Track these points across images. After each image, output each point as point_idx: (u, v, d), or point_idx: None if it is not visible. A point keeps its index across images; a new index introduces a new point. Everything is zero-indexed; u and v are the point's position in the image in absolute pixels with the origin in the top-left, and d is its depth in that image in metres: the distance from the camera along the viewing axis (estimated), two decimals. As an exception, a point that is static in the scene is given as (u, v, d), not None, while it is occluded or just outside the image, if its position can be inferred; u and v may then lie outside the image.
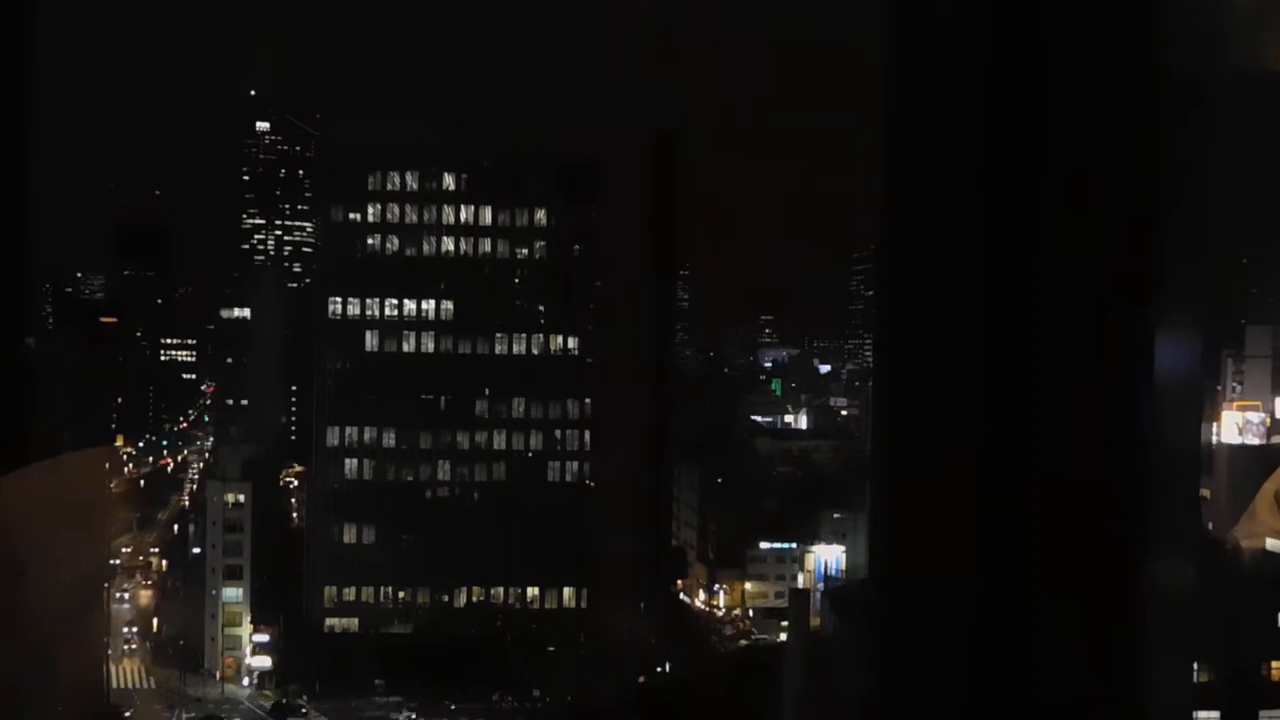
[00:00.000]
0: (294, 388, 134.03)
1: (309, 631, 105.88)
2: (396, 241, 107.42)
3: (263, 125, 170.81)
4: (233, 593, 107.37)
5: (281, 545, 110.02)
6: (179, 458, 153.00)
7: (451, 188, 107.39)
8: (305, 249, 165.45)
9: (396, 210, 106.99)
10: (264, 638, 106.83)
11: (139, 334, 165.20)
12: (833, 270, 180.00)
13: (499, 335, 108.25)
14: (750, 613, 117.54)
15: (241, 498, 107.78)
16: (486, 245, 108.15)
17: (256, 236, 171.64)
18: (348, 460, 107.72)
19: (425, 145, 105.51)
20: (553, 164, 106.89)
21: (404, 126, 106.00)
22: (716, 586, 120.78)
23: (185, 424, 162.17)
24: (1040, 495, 4.32)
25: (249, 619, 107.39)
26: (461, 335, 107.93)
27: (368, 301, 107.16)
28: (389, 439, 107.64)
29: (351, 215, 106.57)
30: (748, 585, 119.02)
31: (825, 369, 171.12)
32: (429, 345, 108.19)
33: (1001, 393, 4.44)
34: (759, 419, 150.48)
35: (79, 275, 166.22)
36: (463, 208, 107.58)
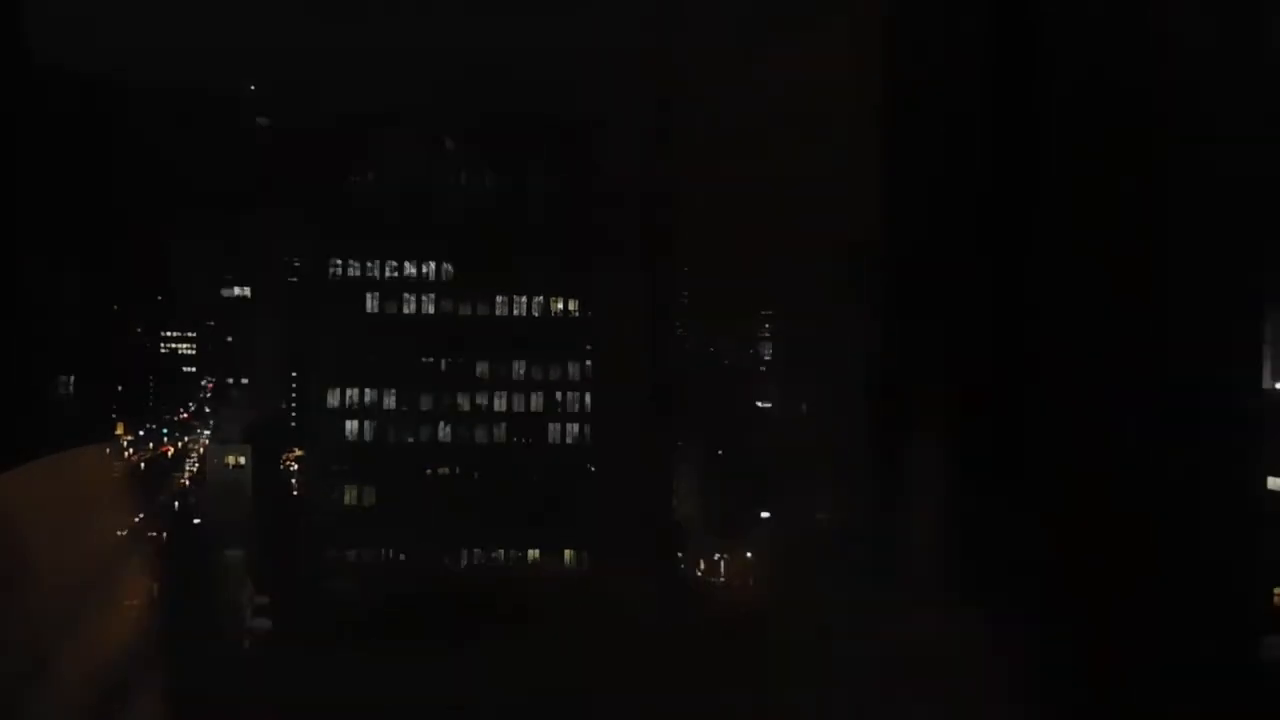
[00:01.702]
0: (294, 374, 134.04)
1: (309, 593, 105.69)
2: (396, 202, 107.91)
3: (262, 120, 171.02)
4: (232, 554, 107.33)
5: (282, 507, 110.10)
6: (180, 444, 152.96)
7: (451, 147, 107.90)
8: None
9: (396, 170, 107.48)
10: (263, 599, 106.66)
11: (139, 329, 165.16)
12: (831, 264, 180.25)
13: (499, 296, 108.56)
14: (752, 581, 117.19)
15: (242, 459, 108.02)
16: (487, 205, 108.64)
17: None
18: (348, 422, 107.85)
19: (424, 105, 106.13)
20: (553, 126, 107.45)
21: (403, 87, 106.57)
22: (718, 556, 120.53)
23: (186, 415, 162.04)
24: (1042, 484, 4.31)
25: (249, 581, 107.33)
26: (462, 296, 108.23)
27: (368, 263, 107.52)
28: (389, 400, 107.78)
29: (352, 176, 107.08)
30: (750, 555, 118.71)
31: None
32: (429, 307, 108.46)
33: (1003, 384, 4.44)
34: (760, 404, 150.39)
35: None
36: (462, 168, 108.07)
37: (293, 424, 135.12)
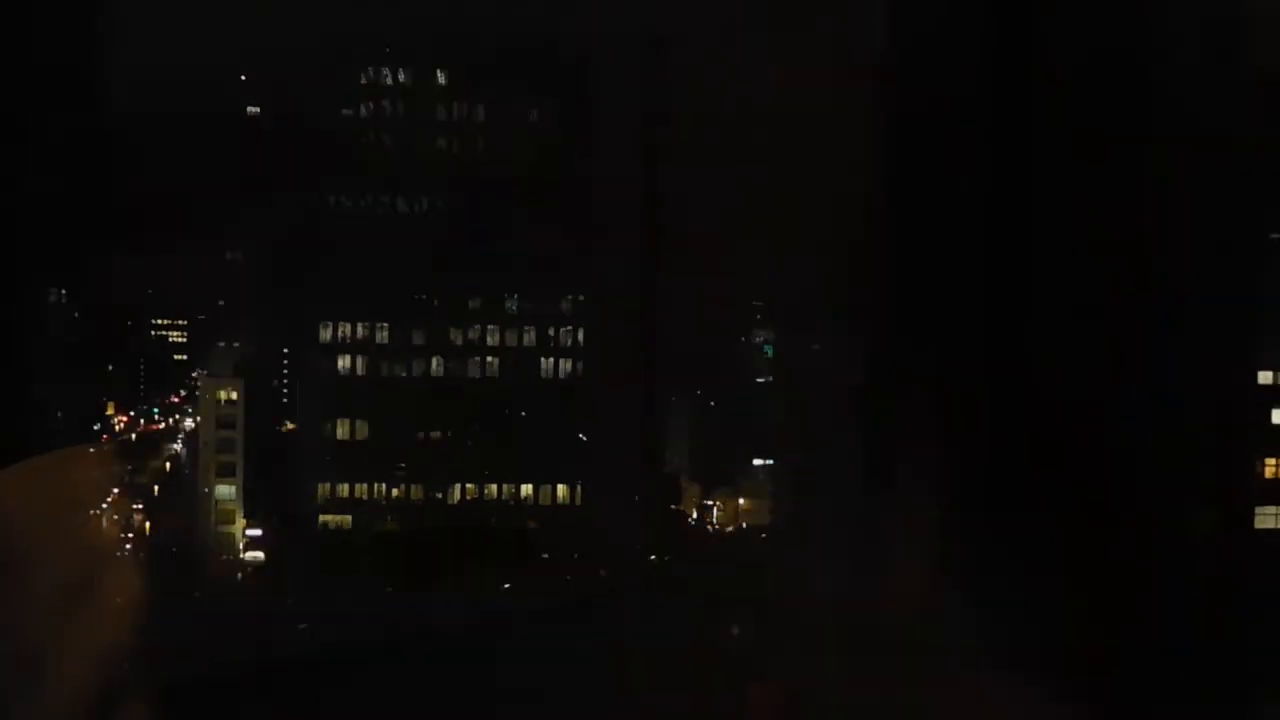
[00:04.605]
0: (285, 350, 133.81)
1: (302, 528, 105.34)
2: (389, 138, 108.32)
3: (253, 109, 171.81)
4: (225, 490, 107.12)
5: (275, 442, 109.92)
6: (170, 421, 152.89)
7: (444, 84, 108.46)
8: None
9: (389, 106, 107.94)
10: (257, 532, 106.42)
11: (129, 322, 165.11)
12: (822, 256, 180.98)
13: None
14: (745, 526, 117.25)
15: (234, 394, 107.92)
16: (479, 142, 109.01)
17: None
18: (340, 357, 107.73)
19: (417, 41, 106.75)
20: (545, 64, 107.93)
21: (395, 22, 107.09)
22: (709, 503, 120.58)
23: (177, 399, 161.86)
24: (1038, 471, 4.60)
25: (242, 516, 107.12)
26: (454, 231, 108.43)
27: (360, 198, 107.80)
28: (382, 335, 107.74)
29: (344, 111, 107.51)
30: (741, 501, 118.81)
31: (817, 347, 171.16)
32: (422, 242, 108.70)
33: (999, 384, 4.77)
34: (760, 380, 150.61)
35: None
36: (455, 104, 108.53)
37: (284, 400, 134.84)
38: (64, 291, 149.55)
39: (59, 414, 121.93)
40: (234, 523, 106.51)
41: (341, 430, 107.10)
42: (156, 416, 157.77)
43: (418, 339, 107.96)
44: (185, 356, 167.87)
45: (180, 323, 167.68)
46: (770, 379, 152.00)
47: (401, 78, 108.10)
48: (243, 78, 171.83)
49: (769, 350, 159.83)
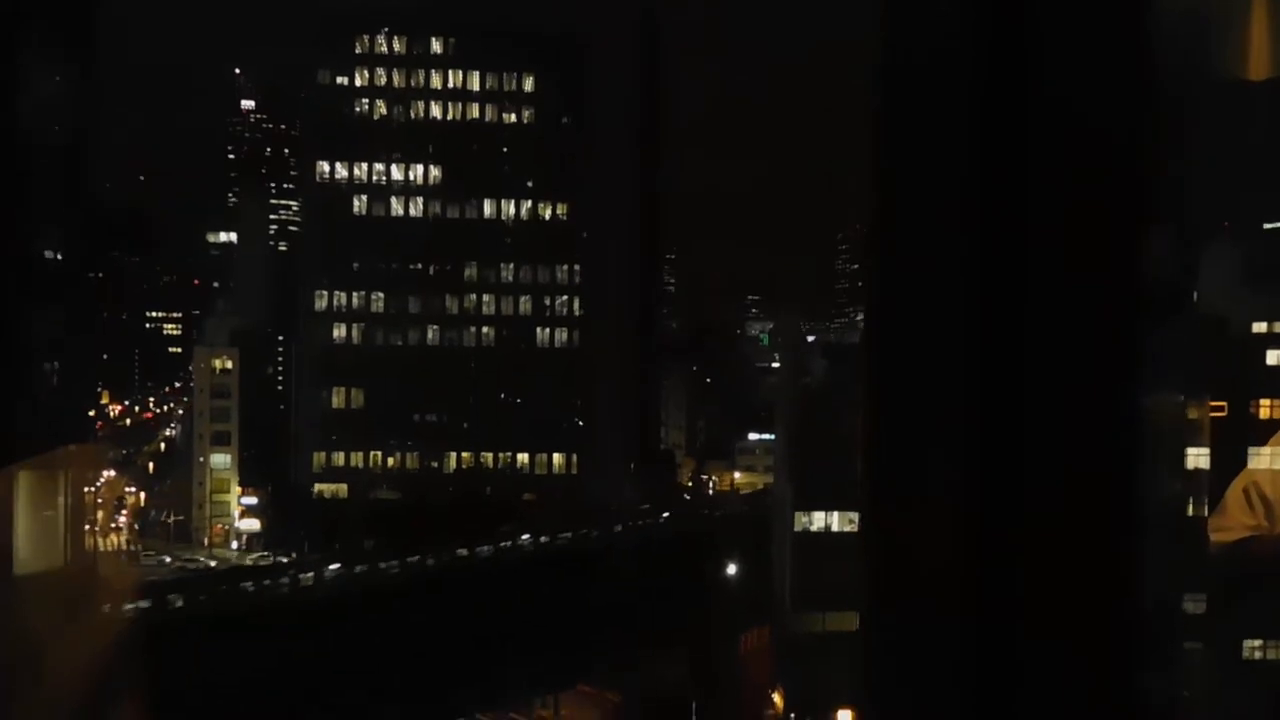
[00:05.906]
0: (280, 337, 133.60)
1: (298, 496, 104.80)
2: (384, 106, 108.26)
3: (248, 104, 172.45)
4: (220, 459, 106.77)
5: (270, 411, 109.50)
6: (164, 409, 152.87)
7: (439, 52, 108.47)
8: (291, 227, 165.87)
9: (384, 74, 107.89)
10: (252, 500, 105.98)
11: (124, 316, 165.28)
12: (817, 250, 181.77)
13: (488, 200, 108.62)
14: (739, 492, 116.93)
15: (229, 364, 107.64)
16: (474, 110, 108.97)
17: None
18: (336, 325, 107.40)
19: (412, 9, 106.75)
20: (540, 32, 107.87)
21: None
22: (705, 477, 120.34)
23: (170, 389, 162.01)
24: (1033, 477, 4.67)
25: (237, 484, 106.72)
26: (450, 200, 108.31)
27: (356, 166, 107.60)
28: (377, 303, 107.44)
29: (339, 79, 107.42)
30: (736, 474, 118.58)
31: (811, 339, 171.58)
32: (417, 210, 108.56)
33: (996, 375, 4.85)
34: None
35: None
36: (450, 73, 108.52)
37: (279, 388, 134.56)
38: (57, 258, 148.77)
39: (52, 403, 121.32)
40: (229, 491, 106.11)
41: (337, 399, 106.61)
42: (152, 405, 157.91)
43: (413, 307, 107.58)
44: (180, 349, 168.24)
45: (175, 315, 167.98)
46: (765, 364, 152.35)
47: (397, 46, 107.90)
48: (237, 71, 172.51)
49: (764, 339, 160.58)
